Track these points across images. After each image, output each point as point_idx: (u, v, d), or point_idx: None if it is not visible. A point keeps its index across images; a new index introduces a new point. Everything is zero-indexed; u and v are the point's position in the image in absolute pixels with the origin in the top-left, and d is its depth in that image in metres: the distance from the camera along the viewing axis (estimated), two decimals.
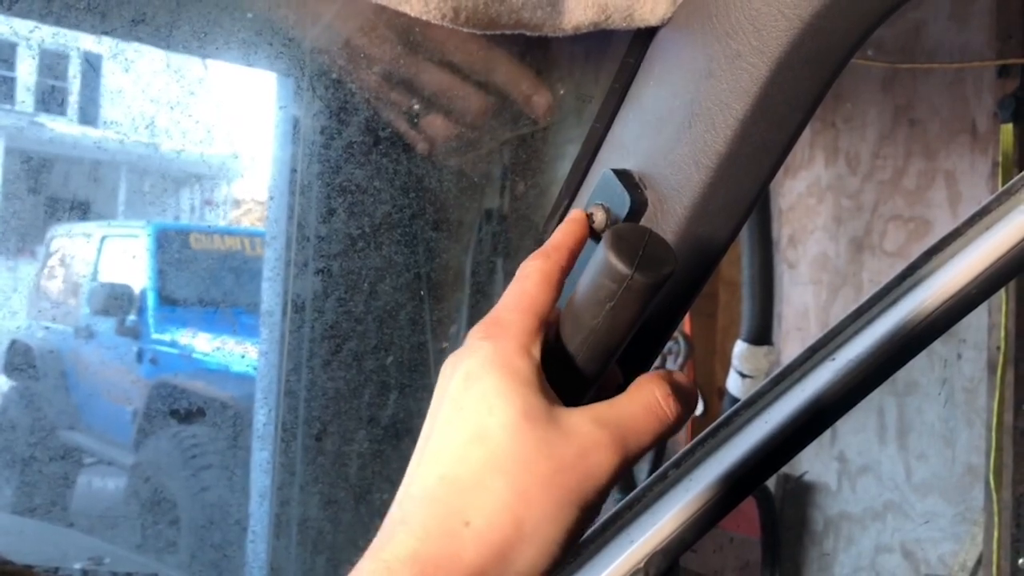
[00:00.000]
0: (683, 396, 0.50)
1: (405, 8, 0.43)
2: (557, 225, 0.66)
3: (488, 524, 0.44)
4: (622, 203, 0.55)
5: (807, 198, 2.64)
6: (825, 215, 2.60)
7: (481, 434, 0.46)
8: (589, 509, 0.46)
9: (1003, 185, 2.16)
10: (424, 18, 0.43)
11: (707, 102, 0.50)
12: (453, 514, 0.44)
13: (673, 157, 0.53)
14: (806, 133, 2.64)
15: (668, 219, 0.54)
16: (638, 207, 0.55)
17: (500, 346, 0.48)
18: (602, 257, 0.47)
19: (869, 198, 2.51)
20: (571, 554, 0.47)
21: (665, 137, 0.54)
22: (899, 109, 2.46)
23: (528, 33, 0.48)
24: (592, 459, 0.46)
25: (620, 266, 0.46)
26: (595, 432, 0.46)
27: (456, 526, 0.44)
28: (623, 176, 0.55)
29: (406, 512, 0.45)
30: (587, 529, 0.47)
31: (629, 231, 0.48)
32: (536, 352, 0.48)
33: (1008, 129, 2.10)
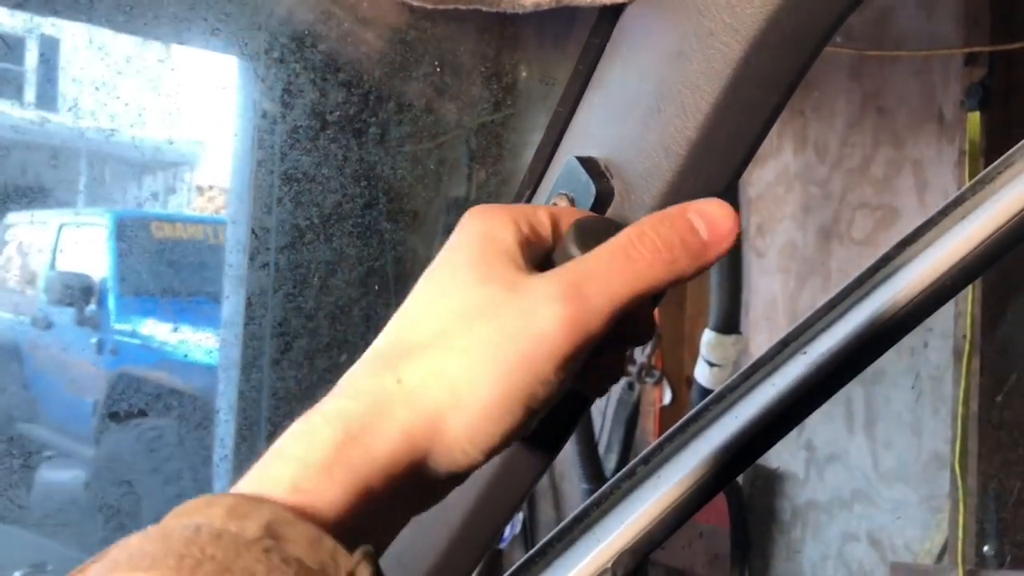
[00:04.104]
0: (679, 227, 0.42)
1: None
2: None
3: (421, 384, 0.40)
4: (587, 192, 0.52)
5: (775, 187, 2.64)
6: (793, 204, 2.59)
7: (436, 299, 0.42)
8: (541, 382, 0.40)
9: (970, 173, 2.17)
10: None
11: (677, 85, 0.47)
12: (387, 372, 0.40)
13: (641, 144, 0.50)
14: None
15: (636, 209, 0.51)
16: (604, 197, 0.52)
17: (487, 216, 0.44)
18: (565, 252, 0.44)
19: (837, 186, 2.50)
20: (521, 431, 0.41)
21: (633, 122, 0.51)
22: (867, 97, 2.45)
23: (485, 9, 0.45)
24: (540, 314, 0.40)
25: None
26: (545, 286, 0.41)
27: (388, 384, 0.40)
28: (588, 164, 0.52)
29: (350, 373, 0.42)
30: (539, 411, 0.41)
31: (594, 223, 0.45)
32: (525, 227, 0.44)
33: (975, 117, 2.10)
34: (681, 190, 0.50)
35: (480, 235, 0.44)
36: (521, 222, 0.45)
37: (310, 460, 0.38)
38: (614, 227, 0.45)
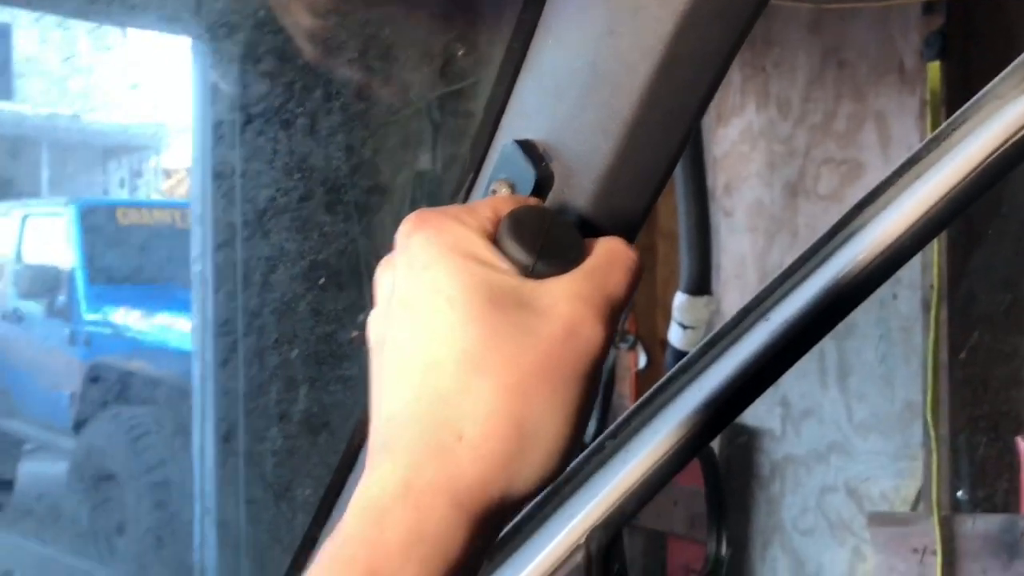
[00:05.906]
0: None
1: None
2: (464, 202, 0.62)
3: (484, 434, 0.38)
4: (526, 178, 0.50)
5: (740, 145, 2.63)
6: (759, 161, 2.59)
7: (447, 333, 0.39)
8: (591, 387, 0.40)
9: (931, 123, 2.16)
10: None
11: (610, 63, 0.46)
12: (440, 429, 0.38)
13: (577, 125, 0.49)
14: (736, 79, 2.61)
15: (576, 193, 0.50)
16: (544, 181, 0.50)
17: (436, 226, 0.41)
18: (501, 246, 0.42)
19: (801, 142, 2.50)
20: (581, 436, 0.41)
21: (568, 103, 0.49)
22: (827, 51, 2.44)
23: None
24: (582, 335, 0.40)
25: (519, 255, 0.42)
26: (578, 307, 0.40)
27: (447, 442, 0.37)
28: (526, 147, 0.51)
29: (387, 437, 0.39)
30: (592, 406, 0.41)
31: (529, 214, 0.43)
32: (477, 221, 0.42)
33: (935, 67, 2.10)
34: (622, 172, 0.48)
35: (445, 246, 0.40)
36: (469, 217, 0.42)
37: (383, 540, 0.36)
38: (548, 216, 0.43)
